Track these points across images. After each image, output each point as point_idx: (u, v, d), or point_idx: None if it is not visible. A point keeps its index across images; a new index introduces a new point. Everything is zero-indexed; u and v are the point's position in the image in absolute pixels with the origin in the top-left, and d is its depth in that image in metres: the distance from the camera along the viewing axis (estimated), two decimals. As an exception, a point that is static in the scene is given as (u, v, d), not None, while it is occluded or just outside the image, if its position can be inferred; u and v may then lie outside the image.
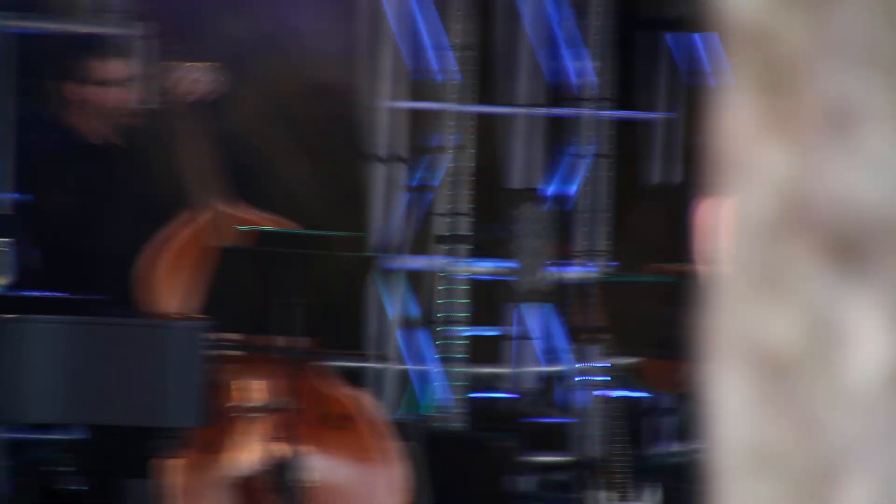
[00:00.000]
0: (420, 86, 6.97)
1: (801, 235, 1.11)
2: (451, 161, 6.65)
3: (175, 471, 5.32)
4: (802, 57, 1.11)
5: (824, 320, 1.11)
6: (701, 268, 1.22)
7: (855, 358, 1.10)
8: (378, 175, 6.72)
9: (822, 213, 1.11)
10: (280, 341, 5.39)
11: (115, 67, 5.56)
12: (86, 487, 5.81)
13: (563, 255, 6.57)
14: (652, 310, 5.42)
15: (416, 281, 6.53)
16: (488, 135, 7.22)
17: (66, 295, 5.01)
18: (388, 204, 6.74)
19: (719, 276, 1.14)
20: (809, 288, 1.11)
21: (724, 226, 1.15)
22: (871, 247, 1.11)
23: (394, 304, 6.64)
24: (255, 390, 5.50)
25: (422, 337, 6.64)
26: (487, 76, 7.14)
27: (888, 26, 1.10)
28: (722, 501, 1.13)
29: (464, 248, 6.64)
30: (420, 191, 6.43)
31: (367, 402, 5.59)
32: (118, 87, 5.53)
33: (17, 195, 6.60)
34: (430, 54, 6.73)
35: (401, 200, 6.63)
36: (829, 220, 1.11)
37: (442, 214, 6.60)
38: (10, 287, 4.86)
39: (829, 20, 1.09)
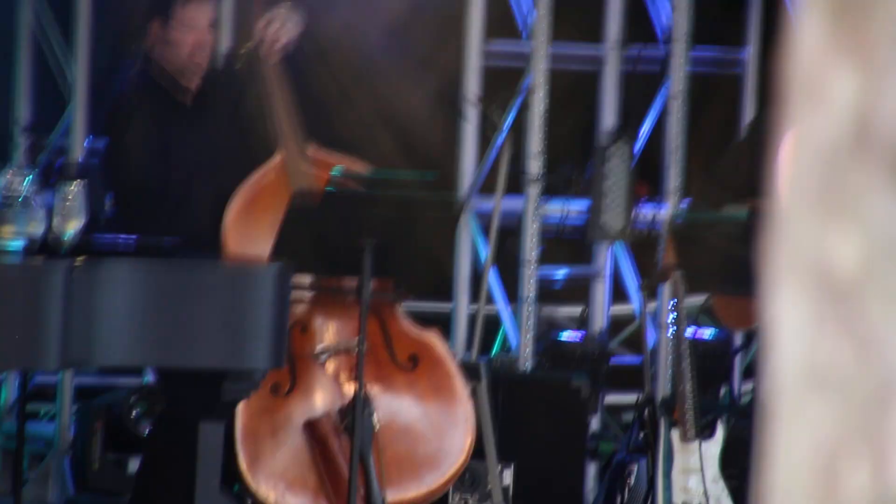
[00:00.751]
0: (508, 26, 7.01)
1: (867, 157, 1.10)
2: (536, 103, 6.70)
3: (247, 413, 5.36)
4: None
5: (887, 241, 1.10)
6: (775, 197, 1.22)
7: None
8: (469, 117, 6.74)
9: (889, 135, 1.09)
10: (352, 283, 5.41)
11: (199, 10, 5.61)
12: (155, 430, 5.91)
13: (639, 195, 6.61)
14: (725, 248, 5.39)
15: (489, 222, 6.59)
16: (572, 76, 7.26)
17: (138, 238, 5.06)
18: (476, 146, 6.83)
19: (784, 198, 1.12)
20: (873, 208, 1.10)
21: (789, 148, 1.15)
22: None
23: (475, 247, 6.70)
24: (326, 332, 5.52)
25: (498, 278, 6.69)
26: (574, 16, 7.19)
27: None
28: (778, 422, 1.11)
29: (544, 187, 6.71)
30: (509, 132, 6.48)
31: (437, 342, 5.58)
32: (203, 30, 5.55)
33: (89, 139, 6.74)
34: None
35: (491, 143, 6.67)
36: None
37: (532, 156, 6.65)
38: (82, 230, 4.91)
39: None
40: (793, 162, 1.15)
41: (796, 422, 1.09)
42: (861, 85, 1.09)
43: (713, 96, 7.59)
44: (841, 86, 1.10)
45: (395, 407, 5.48)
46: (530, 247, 6.57)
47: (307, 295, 5.54)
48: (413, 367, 5.51)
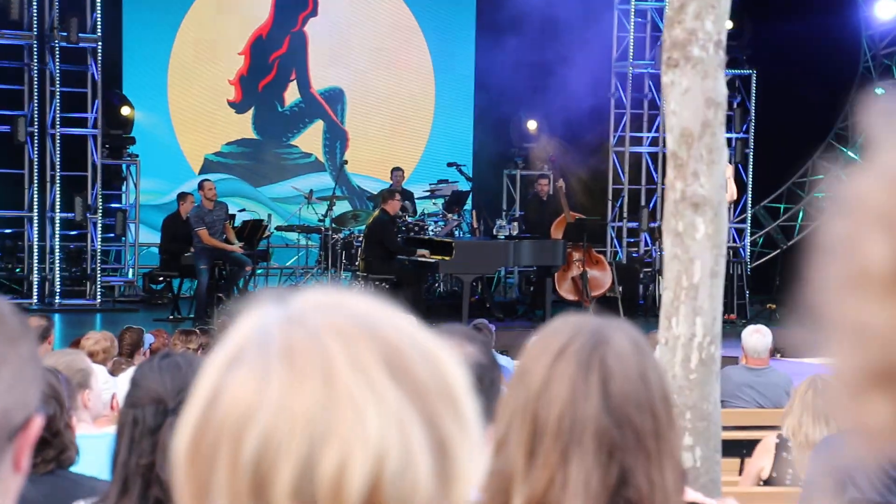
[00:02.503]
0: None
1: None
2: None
3: (559, 274, 18.03)
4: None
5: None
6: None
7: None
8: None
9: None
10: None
11: (545, 182, 17.86)
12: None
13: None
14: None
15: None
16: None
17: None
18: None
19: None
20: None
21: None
22: None
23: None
24: (577, 255, 18.16)
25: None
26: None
27: None
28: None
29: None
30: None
31: (602, 258, 18.22)
32: (547, 186, 17.59)
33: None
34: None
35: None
36: None
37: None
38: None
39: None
40: None
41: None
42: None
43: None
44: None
45: (591, 274, 17.93)
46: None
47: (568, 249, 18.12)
48: (595, 263, 18.06)
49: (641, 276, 17.06)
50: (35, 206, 15.10)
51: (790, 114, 16.94)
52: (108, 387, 4.71)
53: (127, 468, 2.30)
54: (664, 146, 17.26)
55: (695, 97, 3.34)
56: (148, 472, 2.29)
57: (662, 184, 17.41)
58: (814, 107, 17.09)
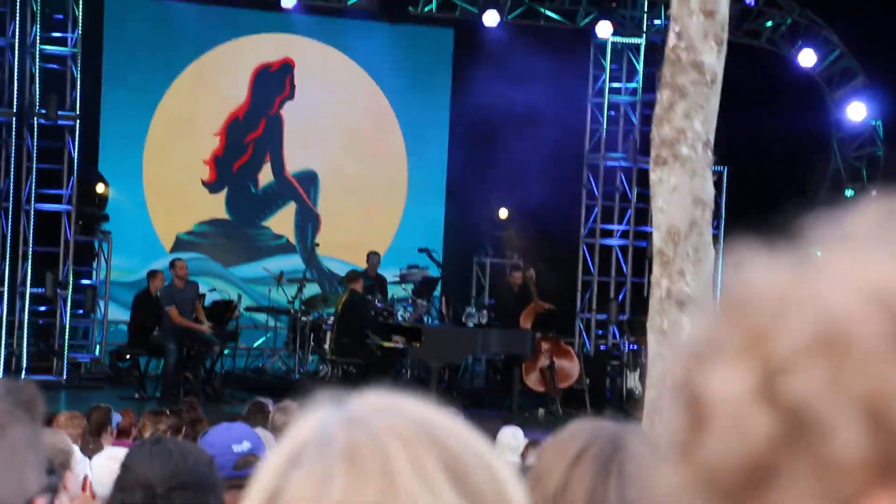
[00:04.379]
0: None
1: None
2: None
3: (526, 365, 18.08)
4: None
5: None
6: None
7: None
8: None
9: None
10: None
11: (518, 274, 17.78)
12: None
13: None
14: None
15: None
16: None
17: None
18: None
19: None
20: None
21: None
22: None
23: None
24: (545, 346, 18.26)
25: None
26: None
27: None
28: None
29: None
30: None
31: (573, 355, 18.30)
32: (519, 277, 17.80)
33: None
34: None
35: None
36: None
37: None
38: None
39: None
40: None
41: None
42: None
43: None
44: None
45: (559, 365, 17.81)
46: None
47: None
48: (564, 354, 17.95)
49: (609, 368, 17.06)
50: (6, 281, 15.25)
51: (761, 212, 17.15)
52: (81, 468, 4.77)
53: (115, 551, 2.41)
54: (635, 239, 17.90)
55: (682, 195, 3.37)
56: (135, 554, 2.40)
57: (633, 277, 17.69)
58: (784, 206, 17.28)
